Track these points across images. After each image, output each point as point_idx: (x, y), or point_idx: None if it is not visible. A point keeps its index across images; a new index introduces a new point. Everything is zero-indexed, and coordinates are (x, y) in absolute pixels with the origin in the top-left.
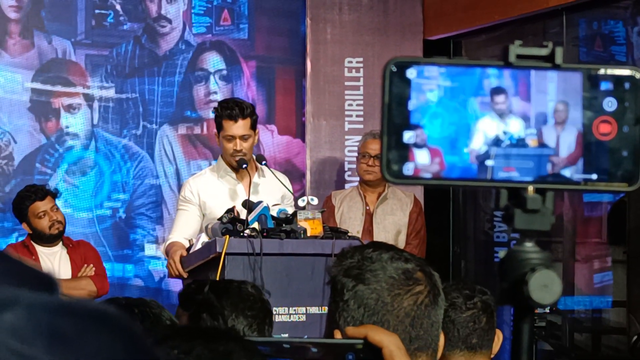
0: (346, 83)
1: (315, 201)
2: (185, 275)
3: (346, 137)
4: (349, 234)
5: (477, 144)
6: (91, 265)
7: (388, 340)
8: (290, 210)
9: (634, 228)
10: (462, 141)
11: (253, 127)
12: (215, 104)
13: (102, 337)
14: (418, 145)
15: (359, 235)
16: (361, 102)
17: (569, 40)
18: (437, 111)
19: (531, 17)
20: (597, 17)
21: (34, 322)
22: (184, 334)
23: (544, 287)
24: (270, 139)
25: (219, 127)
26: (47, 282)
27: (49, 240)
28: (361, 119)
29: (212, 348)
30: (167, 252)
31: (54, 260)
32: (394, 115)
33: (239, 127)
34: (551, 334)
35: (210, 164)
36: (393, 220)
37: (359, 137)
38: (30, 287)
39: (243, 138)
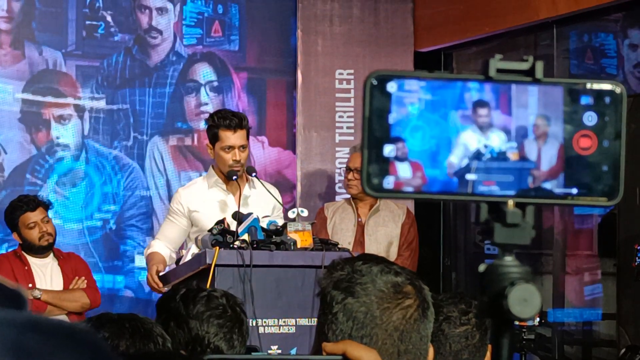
0: (337, 95)
1: (305, 213)
2: (163, 289)
3: (337, 148)
4: (339, 246)
5: (458, 157)
6: (82, 277)
7: (367, 356)
8: (280, 222)
9: (624, 240)
10: (442, 154)
11: (248, 137)
12: (206, 115)
13: (68, 353)
14: (399, 159)
15: (351, 247)
16: (352, 113)
17: (559, 53)
18: (417, 124)
19: (522, 29)
20: (588, 29)
21: (1, 338)
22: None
23: (524, 301)
24: (261, 151)
25: (215, 138)
26: (15, 298)
27: (38, 251)
28: (352, 130)
29: None
30: (147, 261)
31: (46, 272)
32: (375, 129)
33: (238, 137)
34: (541, 347)
35: (201, 175)
36: (385, 231)
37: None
38: None
39: (241, 148)
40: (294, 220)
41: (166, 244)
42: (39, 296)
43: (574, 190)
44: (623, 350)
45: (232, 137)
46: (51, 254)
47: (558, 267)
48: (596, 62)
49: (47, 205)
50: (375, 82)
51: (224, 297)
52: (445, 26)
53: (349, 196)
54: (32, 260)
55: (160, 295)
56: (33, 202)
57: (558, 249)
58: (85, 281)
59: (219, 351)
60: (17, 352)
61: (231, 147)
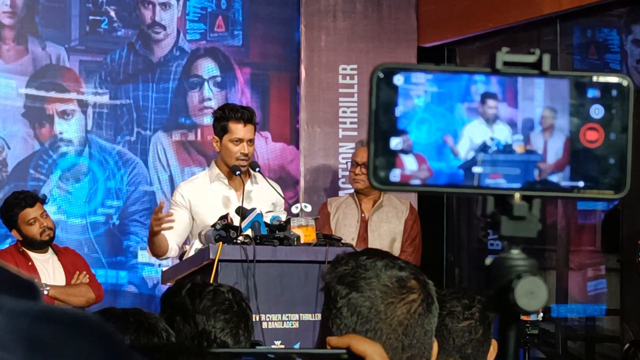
0: (340, 90)
1: (308, 208)
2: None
3: (340, 144)
4: (343, 241)
5: (464, 150)
6: (84, 272)
7: (371, 350)
8: (283, 217)
9: (628, 236)
10: (449, 147)
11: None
12: (212, 110)
13: (81, 343)
14: (405, 152)
15: (354, 243)
16: (355, 109)
17: (563, 48)
18: (424, 117)
19: (525, 25)
20: (591, 25)
21: (14, 328)
22: (161, 353)
23: (530, 293)
24: (265, 146)
25: (224, 130)
26: (29, 289)
27: (39, 246)
28: (355, 126)
29: None
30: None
31: (48, 267)
32: (381, 122)
33: (248, 130)
34: (544, 342)
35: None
36: (388, 227)
37: (353, 144)
38: (11, 293)
39: (249, 142)
40: (297, 215)
41: (169, 236)
42: (47, 292)
43: (581, 183)
44: (626, 346)
45: (242, 130)
46: (50, 249)
47: (561, 262)
48: (600, 58)
49: (43, 200)
50: (381, 75)
51: (230, 293)
52: (449, 21)
53: (352, 191)
54: (33, 256)
55: (165, 290)
56: (31, 198)
57: (561, 245)
58: (87, 275)
59: (225, 346)
60: (31, 342)
61: (240, 140)
